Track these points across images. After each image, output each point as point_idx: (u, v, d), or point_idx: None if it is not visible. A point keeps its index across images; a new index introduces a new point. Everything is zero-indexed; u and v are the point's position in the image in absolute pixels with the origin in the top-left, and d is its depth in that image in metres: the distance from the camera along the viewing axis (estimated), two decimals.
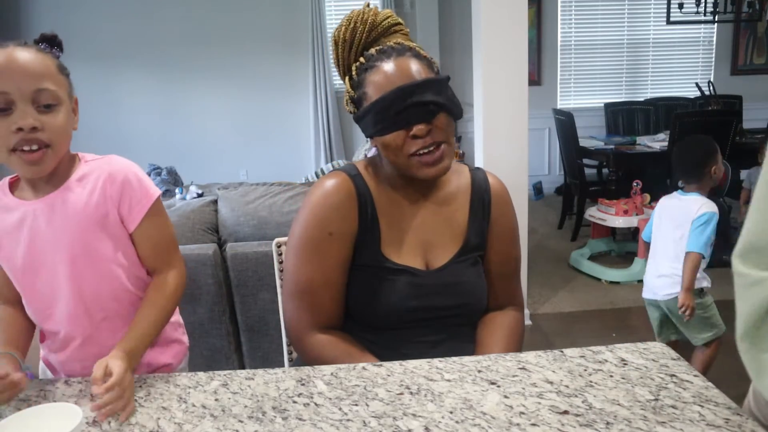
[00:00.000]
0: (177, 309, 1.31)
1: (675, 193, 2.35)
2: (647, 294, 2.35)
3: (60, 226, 1.06)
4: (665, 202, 2.37)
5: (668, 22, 5.96)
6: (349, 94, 1.16)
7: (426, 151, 1.08)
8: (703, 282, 2.25)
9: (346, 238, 1.15)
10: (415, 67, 1.09)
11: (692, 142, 2.55)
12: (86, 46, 5.60)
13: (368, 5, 1.18)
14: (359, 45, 1.15)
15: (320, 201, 1.15)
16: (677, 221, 2.26)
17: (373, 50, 1.14)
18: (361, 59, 1.14)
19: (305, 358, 1.16)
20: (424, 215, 1.20)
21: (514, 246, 1.29)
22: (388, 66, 1.09)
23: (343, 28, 1.15)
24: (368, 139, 1.16)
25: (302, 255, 1.15)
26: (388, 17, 1.18)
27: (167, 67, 5.73)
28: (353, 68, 1.15)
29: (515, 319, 1.28)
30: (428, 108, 1.07)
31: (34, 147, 0.99)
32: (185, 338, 1.31)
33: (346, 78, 1.17)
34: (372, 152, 1.29)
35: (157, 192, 1.14)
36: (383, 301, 1.15)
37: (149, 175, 3.63)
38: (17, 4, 5.51)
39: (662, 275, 2.27)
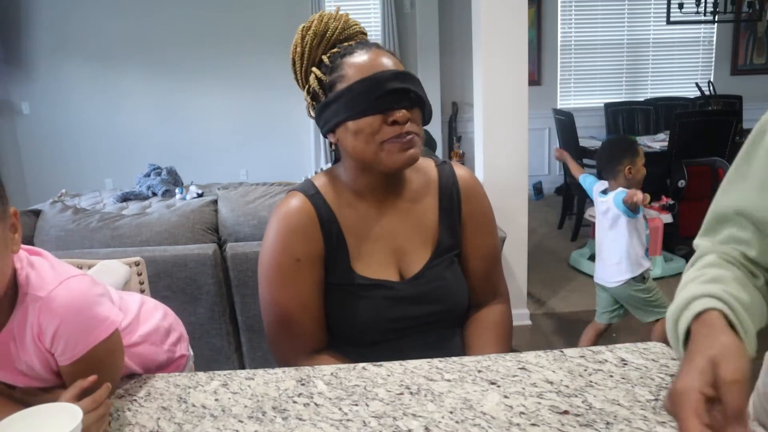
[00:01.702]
0: (180, 322, 1.28)
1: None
2: (596, 279, 2.55)
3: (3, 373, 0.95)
4: (597, 199, 2.55)
5: (668, 22, 5.96)
6: (320, 79, 1.11)
7: (400, 140, 1.05)
8: (645, 264, 2.38)
9: (314, 261, 1.12)
10: (393, 62, 1.09)
11: (610, 141, 2.74)
12: (86, 46, 5.61)
13: (338, 9, 1.17)
14: (330, 39, 1.13)
15: (282, 227, 1.11)
16: (605, 216, 2.46)
17: (349, 43, 1.13)
18: (335, 49, 1.12)
19: None
20: (392, 222, 1.16)
21: (491, 238, 1.25)
22: (370, 53, 1.08)
23: (315, 22, 1.12)
24: (327, 134, 1.12)
25: (275, 283, 1.12)
26: (356, 24, 1.17)
27: (167, 67, 5.73)
28: (325, 58, 1.12)
29: (501, 314, 1.26)
30: (410, 96, 1.06)
31: None
32: (185, 348, 1.28)
33: (313, 68, 1.13)
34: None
35: (101, 336, 0.92)
36: (360, 318, 1.13)
37: (149, 175, 3.62)
38: (17, 4, 5.51)
39: (609, 265, 2.45)
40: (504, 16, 2.78)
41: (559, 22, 6.14)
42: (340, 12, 1.16)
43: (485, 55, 2.83)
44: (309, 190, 1.15)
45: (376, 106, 1.04)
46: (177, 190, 3.28)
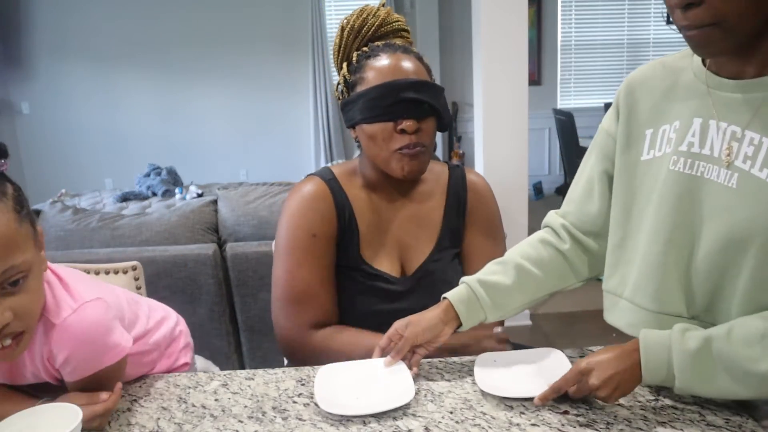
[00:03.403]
0: (186, 329, 1.27)
1: None
2: None
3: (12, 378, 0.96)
4: None
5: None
6: (345, 77, 1.17)
7: (408, 150, 1.09)
8: None
9: (329, 240, 1.16)
10: (416, 68, 1.12)
11: None
12: (86, 46, 5.60)
13: (383, 4, 1.21)
14: (366, 35, 1.17)
15: (298, 205, 1.16)
16: None
17: (378, 43, 1.16)
18: (365, 48, 1.16)
19: (308, 357, 1.14)
20: (401, 216, 1.20)
21: (493, 241, 1.26)
22: (392, 58, 1.11)
23: (354, 16, 1.17)
24: (349, 128, 1.17)
25: (293, 260, 1.14)
26: (399, 20, 1.21)
27: (167, 67, 5.73)
28: (354, 55, 1.16)
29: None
30: (422, 107, 1.09)
31: (7, 342, 0.82)
32: (189, 357, 1.26)
33: (344, 64, 1.18)
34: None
35: (109, 362, 0.93)
36: (360, 305, 1.16)
37: (149, 175, 3.62)
38: (17, 4, 5.51)
39: None
40: (504, 16, 2.78)
41: (559, 22, 6.14)
42: (384, 7, 1.19)
43: (485, 55, 2.83)
44: (326, 175, 1.19)
45: (387, 113, 1.08)
46: (177, 190, 3.27)
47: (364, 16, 1.17)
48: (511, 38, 2.80)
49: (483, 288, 1.02)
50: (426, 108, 1.09)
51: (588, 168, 1.07)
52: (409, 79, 1.09)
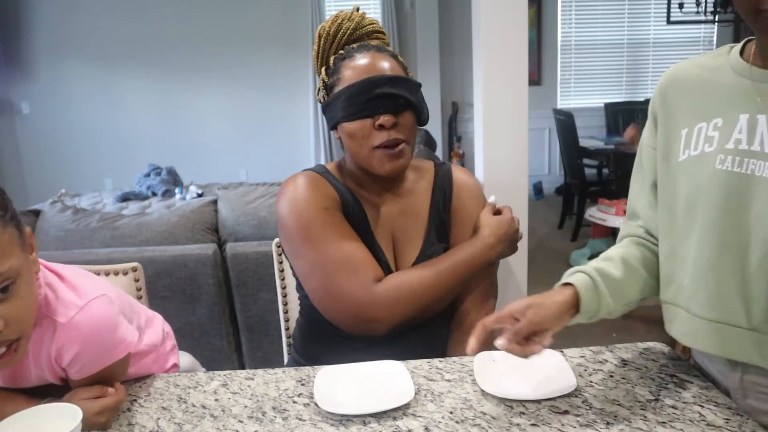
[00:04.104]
0: (171, 331, 1.28)
1: None
2: None
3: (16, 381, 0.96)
4: None
5: (668, 22, 5.95)
6: (323, 81, 1.19)
7: (388, 145, 1.10)
8: None
9: (341, 214, 1.15)
10: (390, 65, 1.14)
11: None
12: (86, 46, 5.60)
13: (357, 9, 1.23)
14: (341, 40, 1.19)
15: (296, 192, 1.14)
16: None
17: (353, 45, 1.18)
18: (341, 51, 1.18)
19: (390, 313, 1.08)
20: (389, 213, 1.21)
21: None
22: (366, 57, 1.13)
23: (329, 23, 1.19)
24: (332, 130, 1.18)
25: (317, 236, 1.11)
26: (373, 23, 1.23)
27: (167, 67, 5.73)
28: (331, 59, 1.18)
29: (486, 314, 1.24)
30: (398, 101, 1.10)
31: (1, 350, 0.81)
32: (176, 357, 1.26)
33: (323, 69, 1.20)
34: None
35: (116, 357, 0.94)
36: None
37: (149, 175, 3.62)
38: (17, 4, 5.51)
39: None
40: (504, 16, 2.78)
41: (559, 22, 6.14)
42: (358, 11, 1.22)
43: (485, 55, 2.83)
44: (319, 169, 1.21)
45: (364, 110, 1.10)
46: (177, 190, 3.28)
47: (339, 21, 1.19)
48: (511, 38, 2.80)
49: (601, 277, 0.95)
50: (402, 102, 1.10)
51: (646, 188, 1.03)
52: (384, 75, 1.10)
